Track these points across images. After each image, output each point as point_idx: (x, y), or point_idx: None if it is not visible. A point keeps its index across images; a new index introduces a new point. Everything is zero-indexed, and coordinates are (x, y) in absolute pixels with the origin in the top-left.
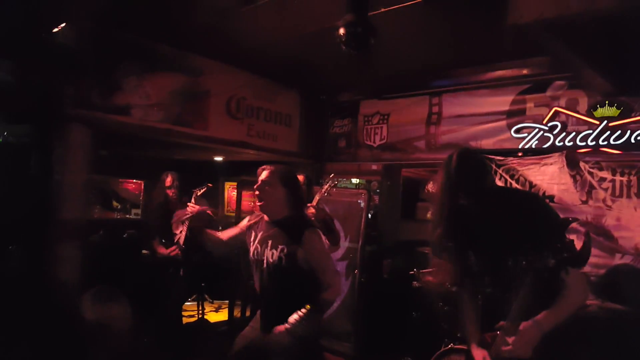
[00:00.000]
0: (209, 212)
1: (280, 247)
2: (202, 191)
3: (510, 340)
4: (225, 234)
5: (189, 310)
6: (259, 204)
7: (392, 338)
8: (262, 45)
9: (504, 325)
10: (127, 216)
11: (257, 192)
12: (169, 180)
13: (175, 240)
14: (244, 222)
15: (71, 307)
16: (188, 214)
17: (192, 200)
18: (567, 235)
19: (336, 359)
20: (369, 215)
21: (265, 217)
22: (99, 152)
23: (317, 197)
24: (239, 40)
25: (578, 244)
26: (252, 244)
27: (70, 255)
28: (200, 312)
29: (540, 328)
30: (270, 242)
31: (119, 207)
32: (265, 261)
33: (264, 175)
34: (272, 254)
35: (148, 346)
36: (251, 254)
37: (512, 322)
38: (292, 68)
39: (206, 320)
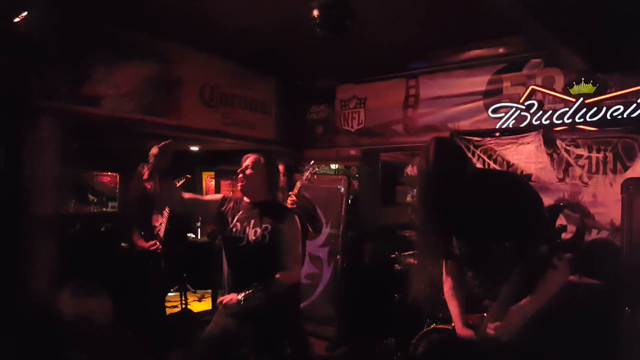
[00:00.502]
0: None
1: (264, 225)
2: (180, 183)
3: (494, 325)
4: (186, 195)
5: (172, 301)
6: (241, 184)
7: (375, 321)
8: (235, 29)
9: (490, 309)
10: (104, 209)
11: (240, 176)
12: (146, 174)
13: (155, 233)
14: (212, 197)
15: (47, 303)
16: (165, 218)
17: None
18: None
19: (320, 343)
20: (349, 201)
21: (246, 199)
22: (70, 145)
23: (298, 185)
24: (210, 24)
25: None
26: (230, 222)
27: (44, 250)
28: (184, 302)
29: (525, 312)
30: (253, 220)
31: (95, 200)
32: (245, 238)
33: (248, 161)
34: (255, 231)
35: (131, 339)
36: (228, 231)
37: (500, 307)
38: (266, 53)
39: (189, 310)
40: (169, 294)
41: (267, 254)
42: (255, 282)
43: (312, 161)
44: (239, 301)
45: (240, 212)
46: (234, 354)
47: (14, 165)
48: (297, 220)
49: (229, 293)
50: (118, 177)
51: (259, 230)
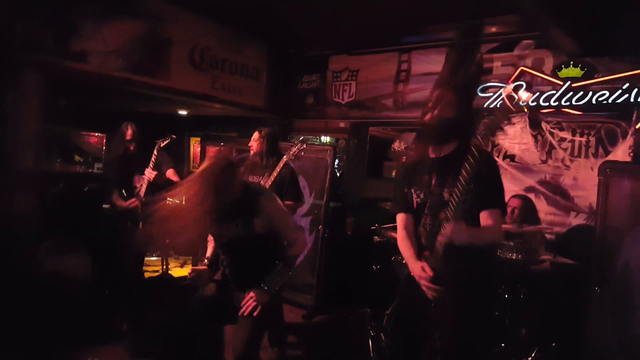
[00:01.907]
0: (168, 174)
1: (241, 219)
2: (165, 142)
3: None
4: None
5: (153, 266)
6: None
7: (353, 291)
8: None
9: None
10: (90, 170)
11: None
12: (129, 133)
13: (135, 193)
14: None
15: (24, 257)
16: (145, 180)
17: (155, 152)
18: None
19: (298, 311)
20: (337, 173)
21: None
22: (56, 102)
23: (282, 162)
24: None
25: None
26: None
27: (24, 204)
28: (165, 267)
29: (471, 235)
30: (227, 218)
31: (81, 161)
32: (235, 236)
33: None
34: (239, 230)
35: (109, 298)
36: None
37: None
38: (260, 17)
39: (169, 274)
40: (151, 259)
41: (252, 247)
42: (254, 270)
43: (302, 137)
44: (264, 290)
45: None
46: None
47: None
48: (273, 196)
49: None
50: (105, 137)
51: (240, 226)
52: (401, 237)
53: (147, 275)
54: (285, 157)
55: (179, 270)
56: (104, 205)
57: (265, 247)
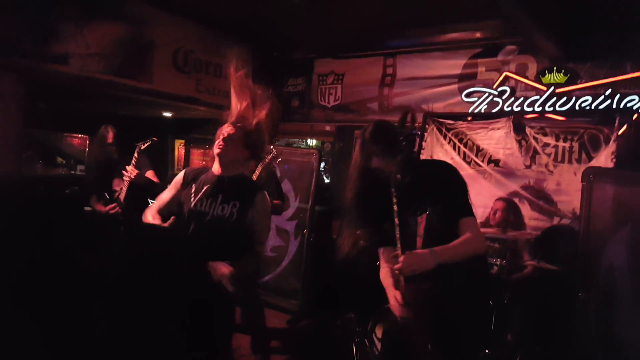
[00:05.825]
0: (148, 175)
1: (232, 202)
2: (145, 145)
3: (401, 258)
4: (163, 207)
5: None
6: (218, 152)
7: (338, 295)
8: None
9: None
10: (72, 172)
11: (221, 144)
12: (110, 137)
13: (115, 197)
14: (176, 181)
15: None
16: (127, 179)
17: (135, 154)
18: None
19: (283, 317)
20: (324, 177)
21: (214, 171)
22: (37, 105)
23: (257, 171)
24: None
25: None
26: (193, 196)
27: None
28: None
29: (435, 255)
30: (221, 196)
31: (64, 163)
32: (210, 213)
33: (229, 129)
34: (223, 207)
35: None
36: (192, 205)
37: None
38: (243, 20)
39: None
40: None
41: (231, 231)
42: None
43: (284, 142)
44: (229, 275)
45: (207, 186)
46: None
47: None
48: (267, 197)
49: None
50: (88, 139)
51: (227, 207)
52: (382, 273)
53: None
54: (260, 165)
55: None
56: (85, 208)
57: (241, 239)
